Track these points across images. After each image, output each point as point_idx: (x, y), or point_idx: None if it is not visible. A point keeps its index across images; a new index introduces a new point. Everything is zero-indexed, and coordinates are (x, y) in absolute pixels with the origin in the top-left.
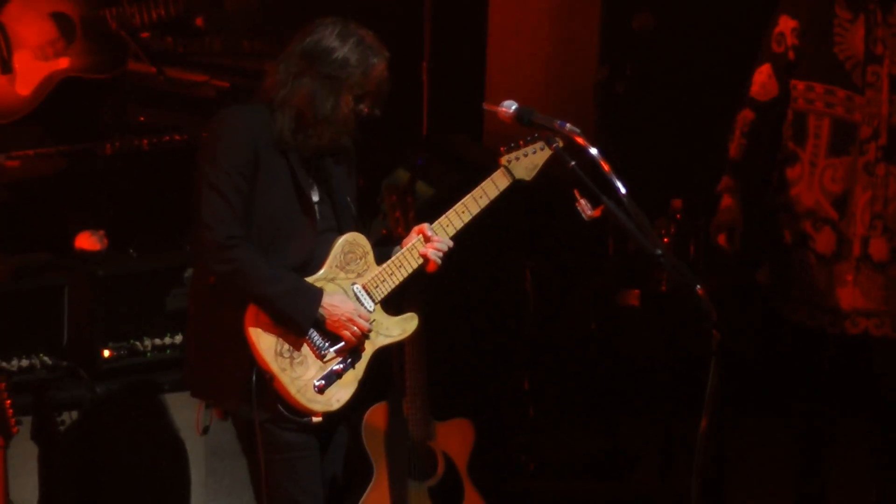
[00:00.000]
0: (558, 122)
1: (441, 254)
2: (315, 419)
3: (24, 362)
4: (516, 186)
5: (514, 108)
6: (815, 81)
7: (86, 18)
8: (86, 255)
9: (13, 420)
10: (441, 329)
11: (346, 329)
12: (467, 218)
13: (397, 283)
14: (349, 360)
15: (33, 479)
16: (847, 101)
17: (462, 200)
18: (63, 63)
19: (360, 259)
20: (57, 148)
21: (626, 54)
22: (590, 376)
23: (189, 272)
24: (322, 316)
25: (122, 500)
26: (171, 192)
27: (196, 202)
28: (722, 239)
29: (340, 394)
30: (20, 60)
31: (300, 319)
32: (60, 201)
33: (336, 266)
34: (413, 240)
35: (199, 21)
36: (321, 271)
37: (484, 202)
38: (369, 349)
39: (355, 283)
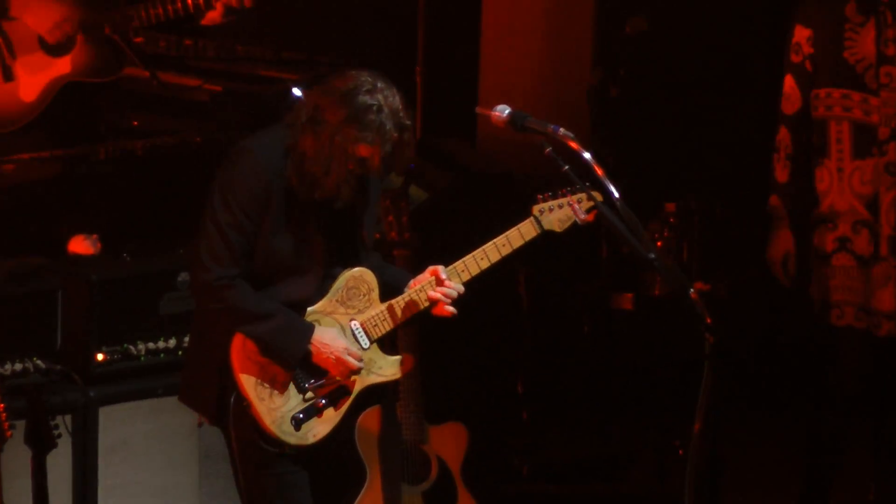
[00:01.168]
0: (551, 126)
1: (450, 300)
2: (288, 451)
3: (18, 366)
4: (545, 237)
5: (507, 112)
6: (831, 87)
7: (86, 22)
8: (79, 259)
9: (7, 424)
10: (434, 332)
11: (335, 367)
12: (485, 265)
13: (397, 324)
14: (333, 397)
15: (27, 483)
16: (863, 104)
17: (483, 247)
18: (65, 67)
19: (364, 295)
20: (51, 152)
21: (619, 57)
22: (584, 379)
23: (183, 276)
24: (310, 352)
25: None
26: (165, 196)
27: (200, 228)
28: (779, 268)
29: (318, 429)
30: (24, 66)
31: (286, 357)
32: (54, 205)
33: (336, 300)
34: (425, 280)
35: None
36: (319, 303)
37: (506, 251)
38: (357, 386)
39: (354, 320)
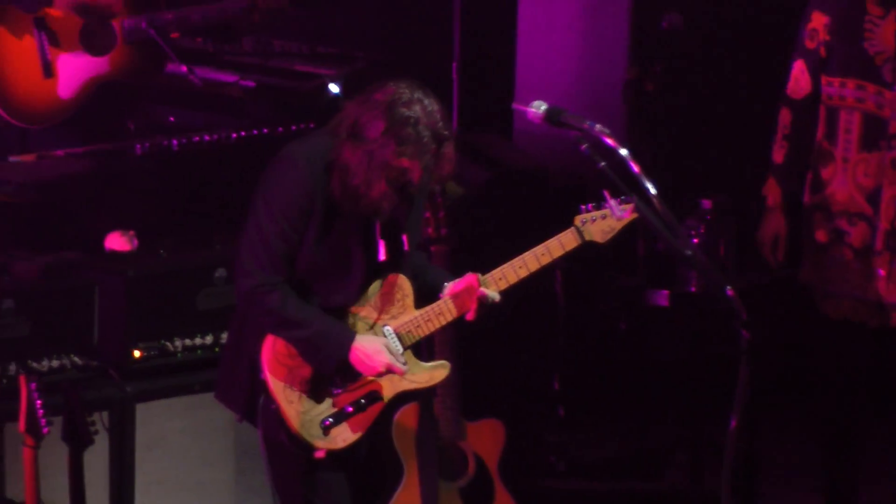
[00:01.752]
0: (587, 122)
1: (484, 309)
2: (317, 455)
3: (55, 362)
4: (587, 248)
5: (543, 107)
6: (846, 77)
7: (125, 24)
8: (116, 256)
9: (44, 420)
10: (471, 329)
11: (380, 374)
12: (524, 274)
13: (431, 331)
14: (363, 402)
15: (64, 479)
16: (877, 97)
17: (522, 256)
18: (104, 67)
19: (399, 301)
20: (87, 148)
21: (655, 53)
22: (620, 376)
23: (219, 272)
24: (349, 360)
25: (151, 501)
26: (202, 192)
27: (244, 234)
28: (767, 250)
29: (347, 434)
30: (63, 63)
31: (323, 363)
32: (90, 201)
33: (371, 305)
34: (461, 287)
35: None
36: (353, 308)
37: (545, 261)
38: (390, 393)
39: (387, 325)
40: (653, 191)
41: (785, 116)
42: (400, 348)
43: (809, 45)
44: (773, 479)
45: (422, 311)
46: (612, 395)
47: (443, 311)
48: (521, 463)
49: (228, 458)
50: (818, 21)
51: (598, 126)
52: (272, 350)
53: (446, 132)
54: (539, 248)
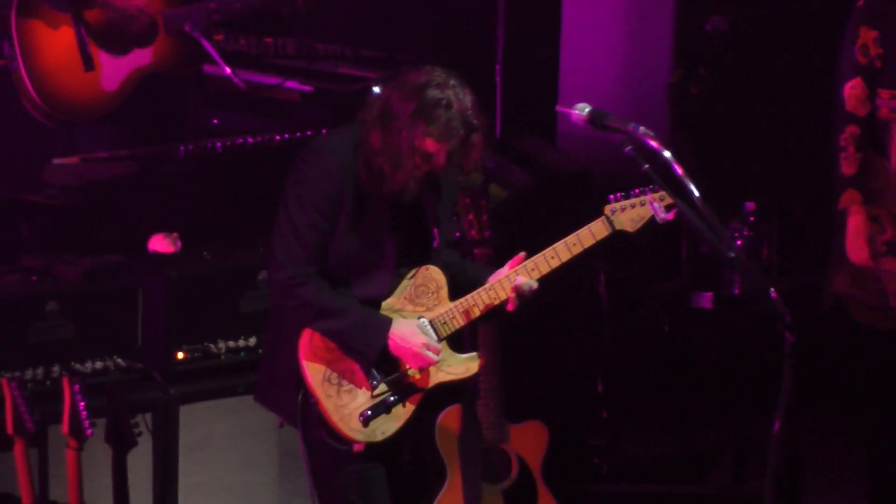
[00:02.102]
0: (631, 124)
1: (525, 296)
2: (356, 448)
3: (99, 364)
4: (618, 237)
5: (587, 110)
6: None
7: (166, 15)
8: (159, 258)
9: (87, 423)
10: (514, 331)
11: (414, 360)
12: (556, 264)
13: (466, 322)
14: (401, 394)
15: (107, 481)
16: None
17: (553, 245)
18: (146, 58)
19: (433, 293)
20: (131, 151)
21: (699, 56)
22: (663, 378)
23: (263, 274)
24: (387, 346)
25: (194, 503)
26: (245, 194)
27: (275, 230)
28: (865, 255)
29: (387, 426)
30: (105, 57)
31: (364, 351)
32: (134, 204)
33: (405, 297)
34: (501, 276)
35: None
36: (388, 300)
37: (577, 250)
38: (426, 384)
39: (422, 317)
40: (696, 193)
41: (854, 131)
42: (435, 339)
43: (862, 60)
44: (816, 482)
45: (456, 302)
46: (655, 398)
47: (477, 302)
48: (564, 465)
49: (271, 460)
50: (867, 36)
51: (641, 128)
52: (309, 345)
53: (476, 121)
54: (570, 238)
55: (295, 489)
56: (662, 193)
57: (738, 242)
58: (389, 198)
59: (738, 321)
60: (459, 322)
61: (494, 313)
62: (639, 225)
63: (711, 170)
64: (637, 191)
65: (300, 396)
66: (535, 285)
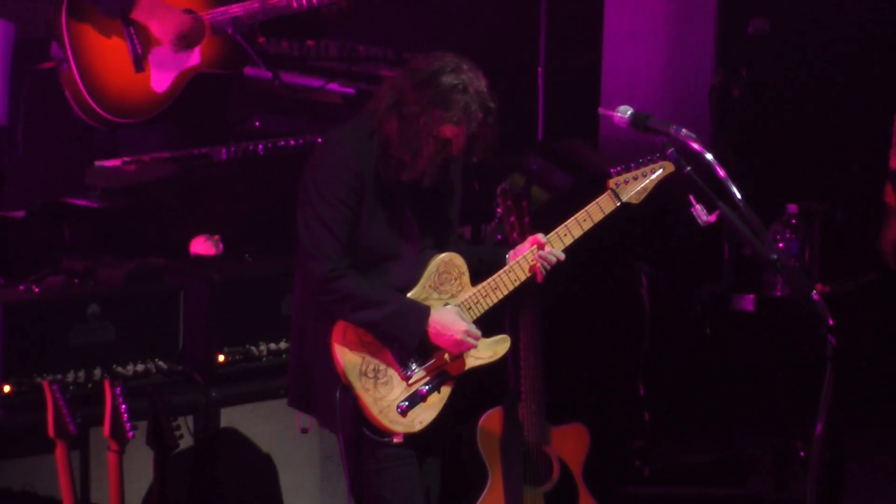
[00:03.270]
0: (674, 127)
1: (549, 266)
2: (396, 440)
3: (140, 367)
4: (625, 210)
5: (629, 112)
6: None
7: (213, 15)
8: (201, 260)
9: (129, 425)
10: (556, 334)
11: (455, 345)
12: (569, 241)
13: (491, 304)
14: (436, 382)
15: (148, 483)
16: None
17: (565, 223)
18: (195, 59)
19: (455, 280)
20: (173, 153)
21: (741, 59)
22: (705, 381)
23: None
24: (427, 334)
25: None
26: (287, 197)
27: (301, 228)
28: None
29: (424, 415)
30: (154, 58)
31: (406, 339)
32: (176, 206)
33: (430, 286)
34: (526, 251)
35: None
36: (413, 290)
37: (587, 226)
38: (458, 370)
39: (448, 304)
40: (738, 195)
41: None
42: (473, 325)
43: None
44: (858, 487)
45: (480, 285)
46: (697, 401)
47: (499, 284)
48: (605, 468)
49: (313, 462)
50: None
51: (683, 131)
52: (343, 341)
53: (492, 104)
54: (580, 214)
55: (336, 491)
56: (664, 163)
57: (781, 245)
58: (408, 185)
59: (780, 324)
60: (484, 306)
61: (518, 294)
62: (643, 196)
63: (753, 172)
64: (634, 164)
65: (338, 393)
66: (561, 255)
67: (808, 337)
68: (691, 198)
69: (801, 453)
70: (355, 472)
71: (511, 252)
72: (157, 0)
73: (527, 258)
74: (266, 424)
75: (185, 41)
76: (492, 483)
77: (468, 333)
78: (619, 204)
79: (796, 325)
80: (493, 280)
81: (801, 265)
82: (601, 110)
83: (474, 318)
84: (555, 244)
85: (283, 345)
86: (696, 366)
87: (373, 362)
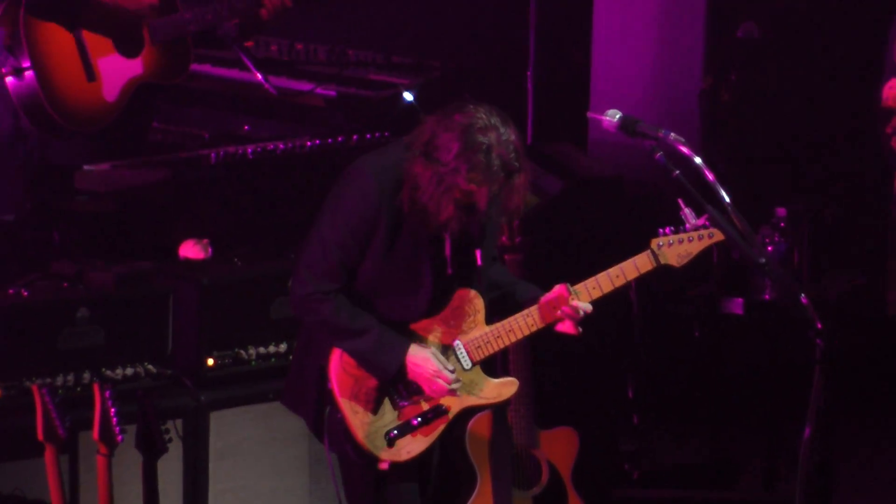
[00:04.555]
0: (662, 130)
1: (578, 318)
2: (381, 466)
3: (129, 371)
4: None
5: (618, 116)
6: None
7: (151, 26)
8: (190, 264)
9: (118, 429)
10: (545, 337)
11: (428, 385)
12: (597, 295)
13: (501, 347)
14: (428, 416)
15: (137, 487)
16: None
17: (596, 276)
18: (138, 69)
19: (470, 317)
20: (161, 157)
21: (731, 63)
22: (694, 384)
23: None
24: (405, 368)
25: None
26: (276, 200)
27: (306, 241)
28: None
29: (412, 446)
30: (104, 67)
31: (380, 372)
32: (165, 210)
33: (439, 318)
34: (550, 298)
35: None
36: (420, 322)
37: (619, 282)
38: (455, 408)
39: (457, 340)
40: (727, 199)
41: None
42: (469, 363)
43: None
44: (848, 489)
45: (492, 326)
46: (686, 403)
47: (514, 328)
48: (594, 471)
49: (302, 466)
50: None
51: (672, 134)
52: (340, 360)
53: (517, 164)
54: (613, 271)
55: (326, 495)
56: (713, 231)
57: (769, 248)
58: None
59: (768, 327)
60: (494, 347)
61: (528, 340)
62: (685, 260)
63: (742, 176)
64: (688, 226)
65: (328, 410)
66: (589, 308)
67: (797, 340)
68: (680, 201)
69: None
70: (348, 483)
71: (543, 296)
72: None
73: (550, 305)
74: (255, 428)
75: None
76: (481, 487)
77: (437, 374)
78: (656, 266)
79: (785, 328)
80: (509, 322)
81: (789, 268)
82: (590, 114)
83: (480, 358)
84: (581, 296)
85: (272, 348)
86: (685, 369)
87: (367, 386)
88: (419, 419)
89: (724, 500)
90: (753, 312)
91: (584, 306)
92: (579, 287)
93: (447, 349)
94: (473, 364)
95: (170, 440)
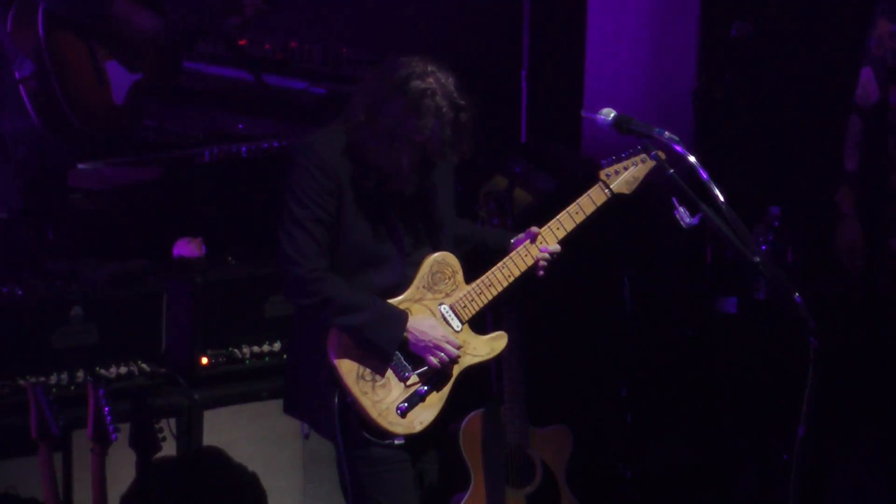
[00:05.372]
0: (656, 129)
1: (552, 261)
2: (397, 441)
3: (123, 369)
4: (616, 201)
5: (612, 115)
6: None
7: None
8: (184, 263)
9: (112, 427)
10: (539, 336)
11: (433, 355)
12: (562, 234)
13: (486, 301)
14: (433, 382)
15: (131, 486)
16: None
17: (557, 217)
18: (139, 72)
19: (449, 279)
20: (155, 155)
21: (724, 62)
22: (688, 384)
23: None
24: (407, 340)
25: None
26: (270, 199)
27: (280, 234)
28: (846, 257)
29: (423, 416)
30: (111, 71)
31: (385, 346)
32: (159, 208)
33: (423, 287)
34: (523, 242)
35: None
36: (407, 292)
37: (580, 218)
38: (456, 370)
39: (443, 304)
40: (721, 198)
41: (855, 124)
42: (458, 324)
43: (877, 52)
44: (842, 490)
45: (474, 283)
46: (680, 403)
47: (493, 281)
48: (588, 470)
49: (296, 465)
50: (884, 28)
51: (666, 133)
52: (339, 345)
53: (463, 101)
54: (572, 208)
55: (319, 494)
56: (655, 152)
57: (763, 247)
58: (390, 192)
59: (763, 326)
60: (480, 303)
61: (514, 289)
62: (634, 186)
63: (736, 174)
64: (627, 152)
65: (336, 398)
66: (557, 248)
67: (791, 339)
68: (674, 200)
69: (784, 457)
70: (353, 476)
71: (514, 240)
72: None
73: (520, 254)
74: (249, 427)
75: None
76: (474, 486)
77: (446, 339)
78: (610, 195)
79: (779, 327)
80: (487, 277)
81: (783, 267)
82: (584, 113)
83: (469, 316)
84: (548, 238)
85: (265, 347)
86: (679, 368)
87: (369, 365)
88: (426, 387)
89: (719, 501)
90: (747, 311)
91: (553, 248)
92: (544, 231)
93: (434, 316)
94: (463, 324)
95: (163, 439)
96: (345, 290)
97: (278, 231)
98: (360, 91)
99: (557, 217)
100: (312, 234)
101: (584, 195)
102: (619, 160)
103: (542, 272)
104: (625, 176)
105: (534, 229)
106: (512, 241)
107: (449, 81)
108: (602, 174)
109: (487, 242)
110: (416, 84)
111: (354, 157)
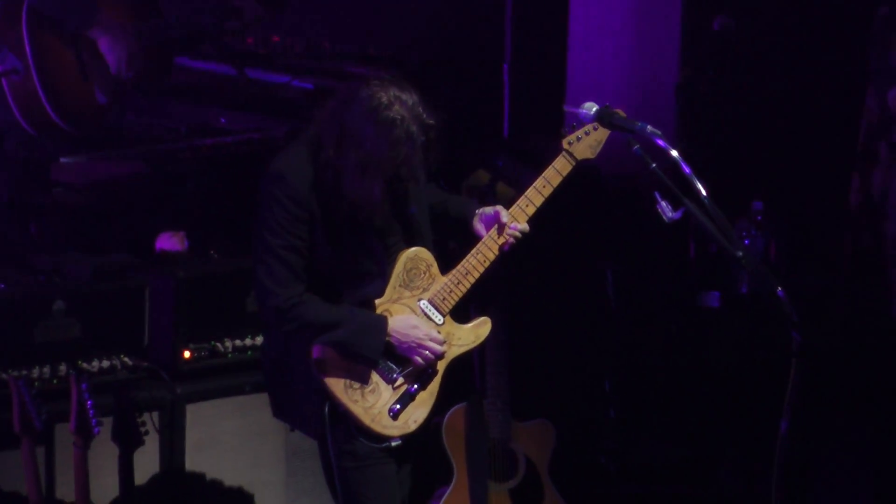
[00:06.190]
0: (639, 124)
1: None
2: (394, 443)
3: (105, 363)
4: (583, 166)
5: (594, 109)
6: None
7: (138, 30)
8: (167, 257)
9: (94, 421)
10: (522, 331)
11: (418, 354)
12: (531, 211)
13: (464, 291)
14: (422, 380)
15: (114, 479)
16: None
17: (525, 194)
18: (127, 73)
19: (424, 273)
20: (138, 149)
21: (707, 56)
22: (671, 378)
23: None
24: (391, 344)
25: (202, 501)
26: (253, 193)
27: (254, 263)
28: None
29: (417, 414)
30: (97, 69)
31: (369, 354)
32: (141, 203)
33: (400, 285)
34: (489, 218)
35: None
36: (385, 294)
37: (548, 192)
38: (442, 363)
39: (421, 299)
40: (704, 192)
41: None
42: (440, 317)
43: None
44: (825, 484)
45: (449, 274)
46: (663, 397)
47: (470, 269)
48: (571, 465)
49: (279, 459)
50: None
51: (649, 128)
52: (323, 357)
53: (431, 121)
54: (538, 182)
55: (302, 488)
56: (612, 112)
57: (746, 241)
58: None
59: (745, 320)
60: (459, 293)
61: (491, 273)
62: (598, 149)
63: (719, 169)
64: (584, 117)
65: (326, 409)
66: (526, 228)
67: (774, 333)
68: (657, 195)
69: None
70: (341, 476)
71: (478, 211)
72: (114, 21)
73: (492, 237)
74: (232, 420)
75: (130, 64)
76: (457, 479)
77: (430, 337)
78: (574, 163)
79: (762, 321)
80: (463, 266)
81: (766, 261)
82: (566, 107)
83: (449, 308)
84: (518, 218)
85: (248, 341)
86: (662, 363)
87: (356, 373)
88: (416, 386)
89: (701, 495)
90: (730, 306)
91: (523, 227)
92: (513, 210)
93: (415, 313)
94: (444, 317)
95: (146, 432)
96: (321, 309)
97: (253, 262)
98: (324, 122)
99: (525, 194)
100: (286, 262)
101: (549, 167)
102: (581, 126)
103: (507, 248)
104: (587, 140)
105: (499, 208)
106: (477, 211)
107: (414, 103)
108: (564, 143)
109: (450, 213)
110: (385, 115)
111: (324, 187)
